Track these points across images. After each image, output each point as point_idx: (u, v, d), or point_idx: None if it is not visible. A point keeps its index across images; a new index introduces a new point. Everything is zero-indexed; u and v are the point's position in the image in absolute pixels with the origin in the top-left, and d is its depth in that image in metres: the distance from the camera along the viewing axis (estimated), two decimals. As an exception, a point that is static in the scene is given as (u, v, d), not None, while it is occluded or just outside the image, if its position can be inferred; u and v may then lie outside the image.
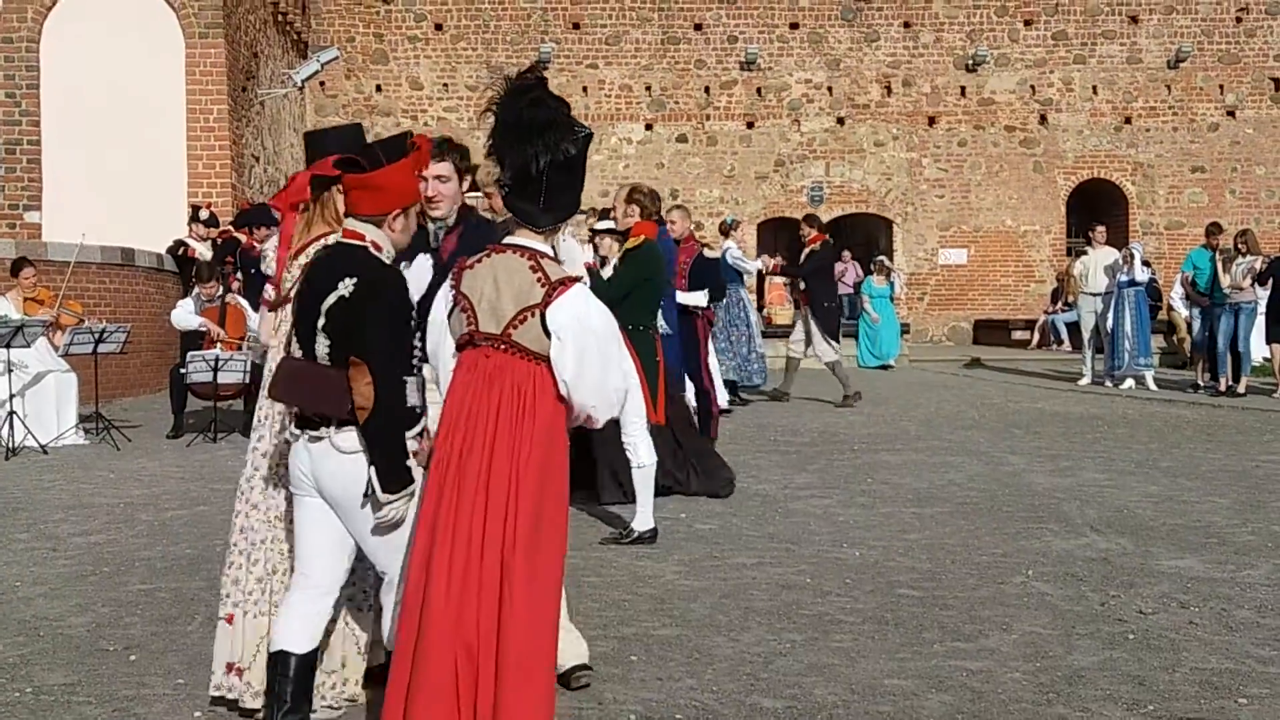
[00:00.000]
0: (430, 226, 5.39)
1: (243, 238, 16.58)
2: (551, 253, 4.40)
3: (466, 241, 5.36)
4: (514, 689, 4.06)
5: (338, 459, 4.28)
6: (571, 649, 5.21)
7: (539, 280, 4.24)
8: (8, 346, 12.95)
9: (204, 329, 14.30)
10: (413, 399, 4.27)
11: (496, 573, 4.08)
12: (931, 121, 29.84)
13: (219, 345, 13.84)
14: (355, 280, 4.25)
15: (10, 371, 13.09)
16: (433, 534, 4.14)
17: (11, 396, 13.09)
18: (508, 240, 4.39)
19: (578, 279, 4.39)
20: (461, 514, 4.12)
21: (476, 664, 4.06)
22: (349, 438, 4.25)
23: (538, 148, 4.26)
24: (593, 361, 4.23)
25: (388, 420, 4.20)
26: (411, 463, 4.24)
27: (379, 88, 28.64)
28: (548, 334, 4.21)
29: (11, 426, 12.94)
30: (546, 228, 4.36)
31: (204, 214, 19.48)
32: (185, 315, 14.45)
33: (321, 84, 27.04)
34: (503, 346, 4.24)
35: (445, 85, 28.89)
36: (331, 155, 5.04)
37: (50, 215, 20.36)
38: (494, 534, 4.09)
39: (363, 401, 4.16)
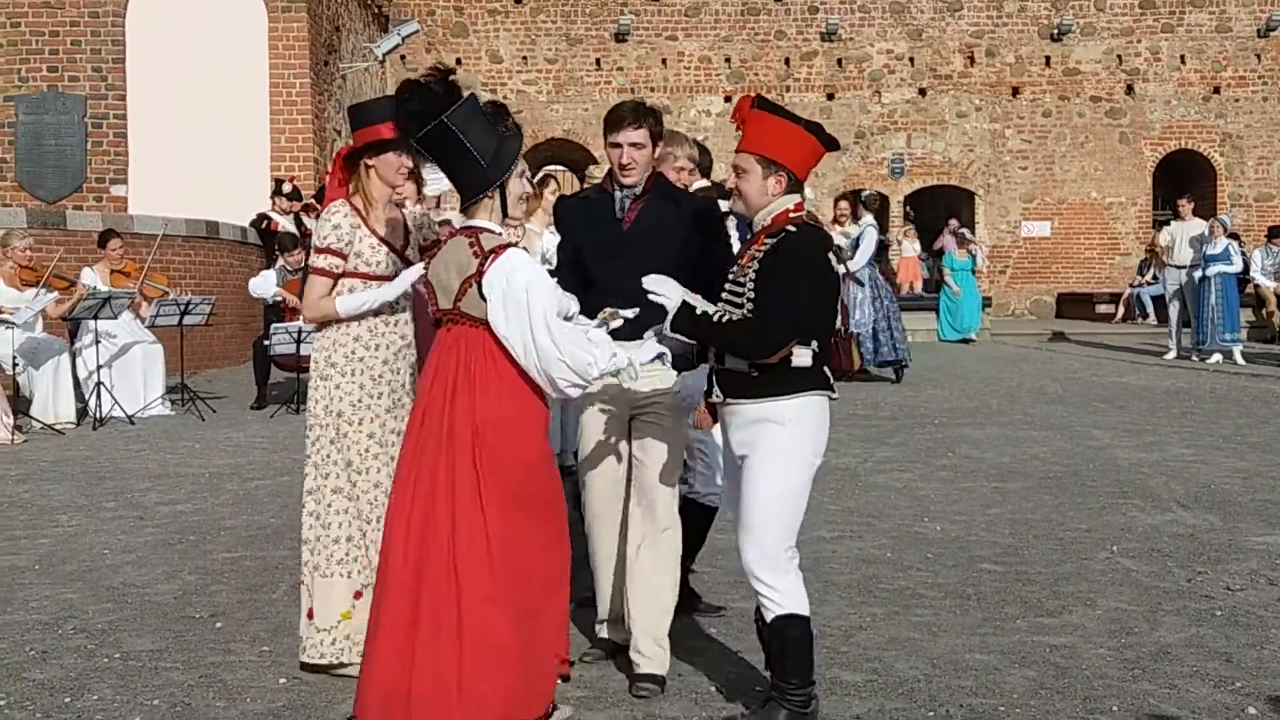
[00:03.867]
0: (617, 195, 5.29)
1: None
2: (492, 227, 4.61)
3: (649, 211, 5.27)
4: (477, 672, 4.37)
5: None
6: (655, 656, 5.12)
7: (474, 253, 4.52)
8: (95, 318, 13.14)
9: (279, 299, 14.43)
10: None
11: (449, 525, 4.44)
12: (1015, 92, 29.46)
13: (301, 317, 13.96)
14: None
15: (98, 343, 13.29)
16: (404, 488, 4.56)
17: (99, 367, 13.29)
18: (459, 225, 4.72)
19: (511, 244, 4.57)
20: (424, 468, 4.50)
21: (438, 616, 4.40)
22: None
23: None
24: (519, 319, 4.43)
25: None
26: None
27: (459, 61, 28.69)
28: (484, 299, 4.49)
29: (99, 397, 13.14)
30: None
31: (286, 187, 19.65)
32: (263, 284, 14.60)
33: (402, 57, 27.13)
34: (455, 318, 4.57)
35: (525, 58, 28.91)
36: (376, 124, 5.19)
37: (136, 188, 20.61)
38: (461, 489, 4.45)
39: None
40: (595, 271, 5.23)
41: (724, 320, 4.48)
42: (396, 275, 5.31)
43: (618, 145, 5.21)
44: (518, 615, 4.45)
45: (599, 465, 5.28)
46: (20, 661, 5.56)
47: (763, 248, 4.49)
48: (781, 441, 4.44)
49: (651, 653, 5.07)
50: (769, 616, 4.50)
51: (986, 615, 6.13)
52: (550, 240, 8.21)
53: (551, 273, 5.32)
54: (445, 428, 4.49)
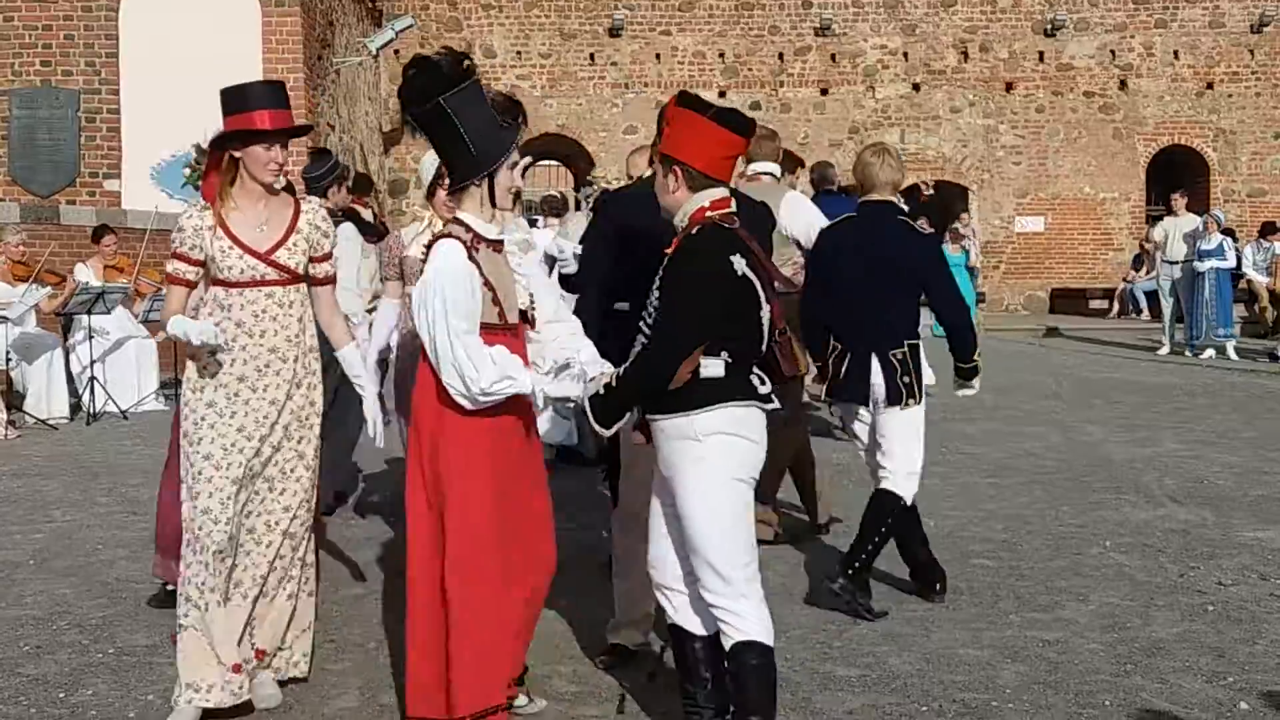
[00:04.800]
0: None
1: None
2: (471, 219, 4.46)
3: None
4: (456, 661, 4.37)
5: None
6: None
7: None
8: (89, 313, 13.12)
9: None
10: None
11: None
12: (1009, 87, 29.46)
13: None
14: None
15: (91, 338, 13.28)
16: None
17: (93, 363, 13.28)
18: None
19: (448, 235, 4.42)
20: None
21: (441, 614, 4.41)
22: None
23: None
24: (423, 312, 4.32)
25: None
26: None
27: (453, 55, 28.65)
28: None
29: (93, 392, 13.13)
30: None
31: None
32: None
33: (396, 52, 27.07)
34: None
35: (519, 53, 28.87)
36: (251, 111, 4.79)
37: (129, 183, 20.56)
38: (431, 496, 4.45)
39: None
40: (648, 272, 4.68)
41: (624, 369, 4.25)
42: (258, 282, 4.84)
43: None
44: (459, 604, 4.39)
45: (631, 468, 5.16)
46: (14, 657, 5.57)
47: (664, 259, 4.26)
48: (696, 458, 4.13)
49: None
50: (727, 643, 4.21)
51: (980, 610, 6.15)
52: (544, 237, 8.12)
53: (564, 276, 5.22)
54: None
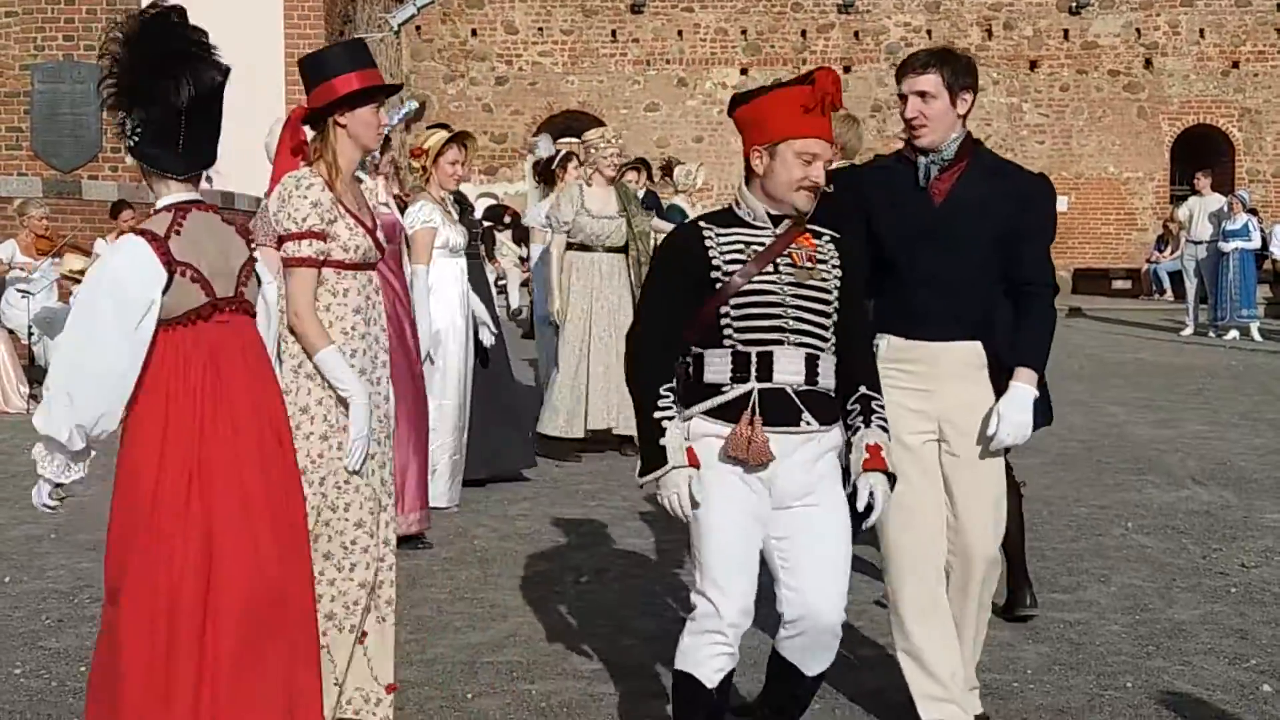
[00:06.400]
0: (921, 161, 4.33)
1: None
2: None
3: (969, 185, 4.25)
4: None
5: None
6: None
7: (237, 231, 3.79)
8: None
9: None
10: None
11: None
12: (1033, 66, 29.29)
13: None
14: None
15: (114, 312, 13.29)
16: None
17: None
18: (170, 201, 3.64)
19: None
20: None
21: None
22: None
23: (180, 80, 3.61)
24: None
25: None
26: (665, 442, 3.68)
27: (474, 32, 28.59)
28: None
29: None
30: (184, 176, 3.66)
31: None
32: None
33: (417, 28, 27.06)
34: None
35: (540, 29, 28.79)
36: (338, 75, 4.28)
37: (151, 159, 20.63)
38: None
39: None
40: (896, 255, 4.28)
41: None
42: (371, 265, 4.40)
43: (903, 96, 4.35)
44: None
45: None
46: (37, 630, 5.59)
47: None
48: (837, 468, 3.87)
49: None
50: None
51: (1001, 591, 6.12)
52: (538, 213, 8.14)
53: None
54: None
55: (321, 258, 4.25)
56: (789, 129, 3.72)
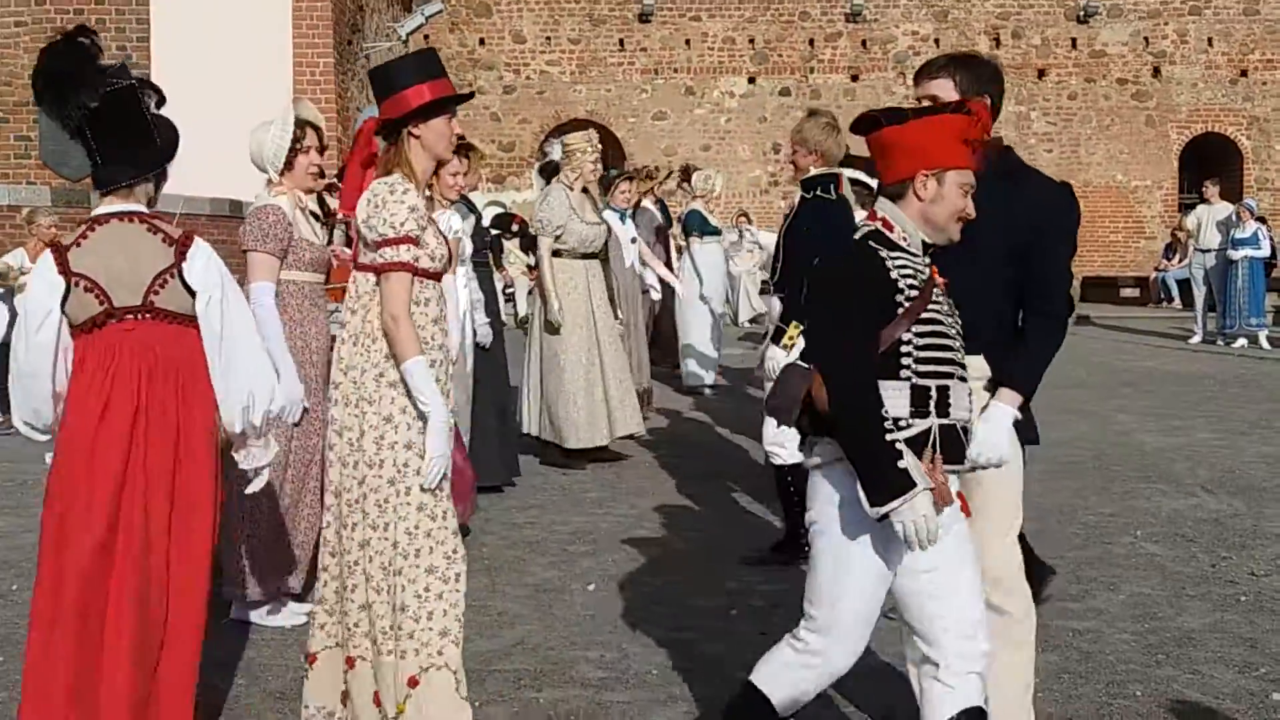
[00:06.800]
0: None
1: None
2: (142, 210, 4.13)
3: (985, 191, 3.82)
4: None
5: None
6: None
7: (163, 240, 4.07)
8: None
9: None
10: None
11: None
12: (1041, 74, 29.30)
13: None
14: None
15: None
16: None
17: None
18: (97, 212, 4.04)
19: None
20: None
21: None
22: None
23: (65, 99, 4.03)
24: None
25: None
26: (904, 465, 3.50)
27: (482, 41, 28.64)
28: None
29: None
30: (105, 189, 4.07)
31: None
32: None
33: (425, 37, 27.10)
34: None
35: (548, 39, 28.83)
36: (409, 87, 4.25)
37: (160, 167, 20.66)
38: None
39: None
40: None
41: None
42: (441, 273, 4.39)
43: (917, 101, 4.30)
44: None
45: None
46: (44, 638, 5.58)
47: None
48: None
49: None
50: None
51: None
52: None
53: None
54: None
55: (416, 262, 4.23)
56: (954, 158, 3.66)
